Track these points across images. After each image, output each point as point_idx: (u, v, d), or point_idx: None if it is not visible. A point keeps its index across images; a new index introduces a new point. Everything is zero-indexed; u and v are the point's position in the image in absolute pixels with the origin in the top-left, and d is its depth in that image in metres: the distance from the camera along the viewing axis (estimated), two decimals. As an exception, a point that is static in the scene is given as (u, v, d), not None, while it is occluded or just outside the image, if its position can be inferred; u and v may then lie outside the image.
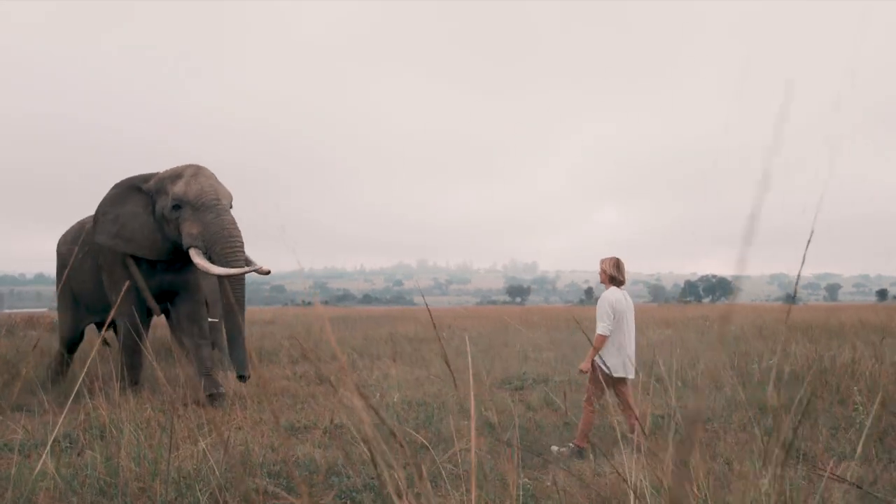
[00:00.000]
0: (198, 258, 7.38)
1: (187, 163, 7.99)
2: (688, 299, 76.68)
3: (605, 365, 5.29)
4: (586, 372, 5.60)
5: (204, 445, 4.57)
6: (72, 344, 9.39)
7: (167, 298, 8.35)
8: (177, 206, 7.56)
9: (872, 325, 15.69)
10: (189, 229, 7.48)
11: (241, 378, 7.65)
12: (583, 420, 5.60)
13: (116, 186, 8.18)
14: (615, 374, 5.50)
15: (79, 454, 4.98)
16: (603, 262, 5.75)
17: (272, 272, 7.73)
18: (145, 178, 8.11)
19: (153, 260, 7.96)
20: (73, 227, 9.29)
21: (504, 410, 7.00)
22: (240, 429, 6.09)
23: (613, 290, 5.65)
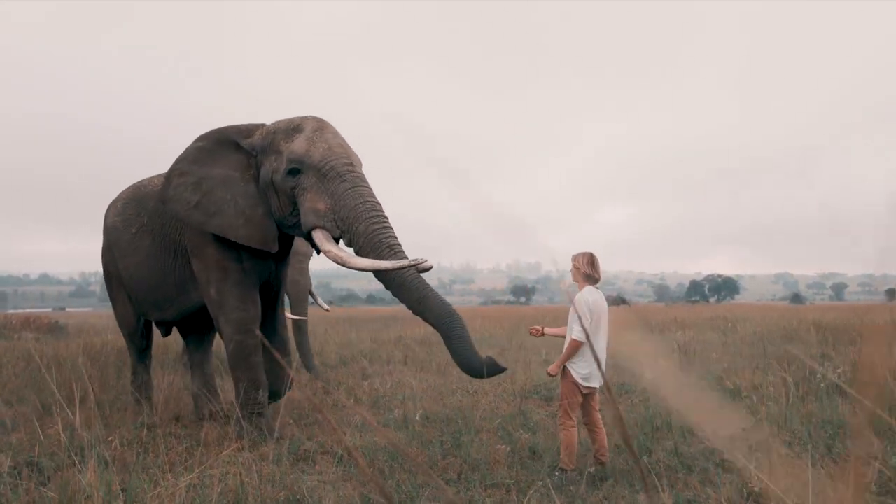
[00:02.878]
0: (327, 244, 5.31)
1: (302, 114, 5.88)
2: (694, 299, 75.73)
3: (579, 373, 4.73)
4: (554, 375, 4.89)
5: (188, 481, 3.68)
6: (139, 347, 7.21)
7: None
8: (294, 171, 5.46)
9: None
10: (312, 203, 5.39)
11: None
12: (564, 439, 4.79)
13: (202, 138, 6.02)
14: (587, 384, 4.81)
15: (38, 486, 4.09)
16: (575, 258, 4.96)
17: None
18: (245, 131, 5.96)
19: (243, 245, 5.81)
20: (124, 192, 7.02)
21: (540, 427, 6.11)
22: (240, 450, 5.20)
23: (590, 290, 4.86)
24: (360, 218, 5.22)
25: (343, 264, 5.23)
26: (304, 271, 9.96)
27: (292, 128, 5.62)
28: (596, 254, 4.98)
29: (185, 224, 5.97)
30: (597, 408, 4.95)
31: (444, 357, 11.78)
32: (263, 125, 5.89)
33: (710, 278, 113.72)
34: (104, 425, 6.33)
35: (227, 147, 5.90)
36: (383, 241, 5.17)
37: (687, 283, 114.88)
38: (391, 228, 5.27)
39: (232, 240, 5.69)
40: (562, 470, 4.75)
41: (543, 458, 5.11)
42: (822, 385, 6.88)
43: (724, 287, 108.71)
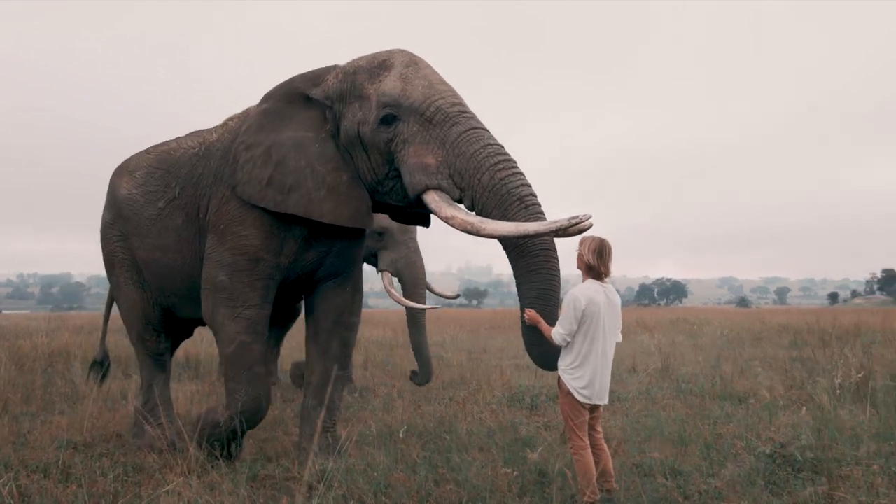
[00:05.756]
0: (448, 208, 4.08)
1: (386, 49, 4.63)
2: (644, 302, 76.38)
3: (575, 386, 3.83)
4: (533, 322, 3.93)
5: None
6: (157, 351, 5.68)
7: (304, 290, 5.11)
8: (388, 119, 4.26)
9: (871, 326, 14.70)
10: (419, 157, 4.18)
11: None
12: (579, 465, 3.88)
13: (267, 97, 4.80)
14: (588, 400, 3.87)
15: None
16: (583, 243, 3.96)
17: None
18: (313, 78, 4.69)
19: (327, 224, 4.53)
20: (142, 158, 5.53)
21: (536, 442, 5.30)
22: (186, 477, 4.26)
23: (589, 285, 3.92)
24: (482, 166, 4.03)
25: (476, 233, 3.93)
26: (419, 250, 8.09)
27: (377, 64, 4.45)
28: (609, 241, 3.96)
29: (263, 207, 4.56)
30: (599, 427, 4.05)
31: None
32: (336, 66, 4.69)
33: (660, 282, 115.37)
34: (22, 444, 5.34)
35: (297, 102, 4.68)
36: (512, 191, 3.98)
37: (636, 287, 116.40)
38: (523, 175, 4.07)
39: (316, 219, 4.46)
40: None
41: (553, 482, 4.29)
42: (838, 391, 6.24)
43: (673, 291, 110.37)
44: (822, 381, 6.64)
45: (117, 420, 6.25)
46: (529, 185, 4.03)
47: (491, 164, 4.02)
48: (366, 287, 5.55)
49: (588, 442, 3.89)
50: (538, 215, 3.95)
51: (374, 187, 4.50)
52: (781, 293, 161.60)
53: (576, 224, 3.75)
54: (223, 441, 4.66)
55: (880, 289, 67.22)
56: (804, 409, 5.30)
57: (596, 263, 3.90)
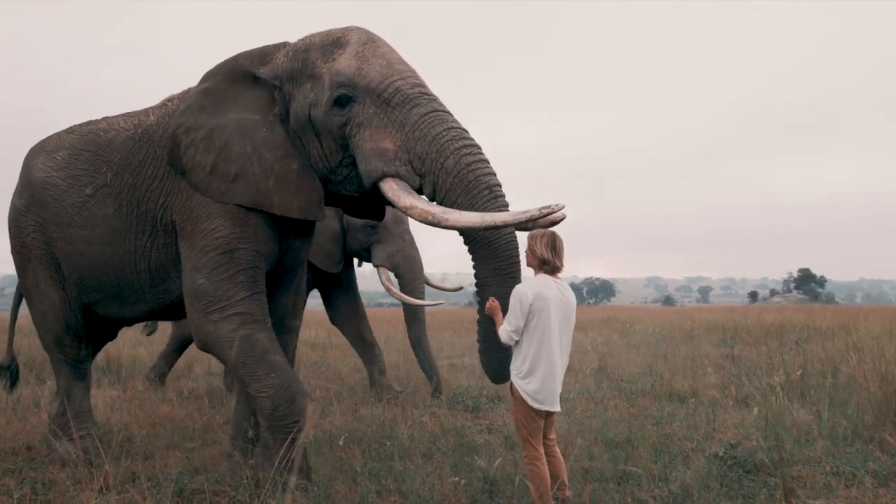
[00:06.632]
0: (407, 197, 3.77)
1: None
2: (573, 301, 77.54)
3: (526, 391, 3.55)
4: (491, 309, 3.71)
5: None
6: (76, 357, 5.06)
7: None
8: (343, 101, 3.91)
9: (794, 324, 15.15)
10: (375, 142, 3.85)
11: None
12: (533, 476, 3.61)
13: (209, 76, 4.34)
14: (540, 406, 3.58)
15: None
16: (533, 238, 3.67)
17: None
18: (261, 57, 4.27)
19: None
20: (64, 138, 4.88)
21: (483, 448, 5.11)
22: (103, 493, 3.87)
23: (539, 280, 3.66)
24: (446, 150, 3.70)
25: (437, 224, 3.62)
26: (415, 242, 7.78)
27: (331, 41, 4.06)
28: (560, 235, 3.69)
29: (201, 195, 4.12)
30: (552, 435, 3.77)
31: (343, 363, 10.67)
32: (286, 43, 4.27)
33: (588, 281, 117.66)
34: None
35: (242, 82, 4.25)
36: (480, 178, 3.68)
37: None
38: (489, 163, 3.76)
39: (266, 210, 4.08)
40: None
41: (503, 490, 4.09)
42: (779, 389, 6.26)
43: (602, 290, 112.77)
44: (763, 380, 6.67)
45: (28, 431, 5.73)
46: (496, 175, 3.77)
47: (455, 147, 3.71)
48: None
49: (542, 451, 3.63)
50: (505, 208, 3.69)
51: (327, 176, 4.12)
52: (704, 292, 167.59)
53: (547, 214, 3.47)
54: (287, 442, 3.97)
55: (797, 287, 70.07)
56: (756, 409, 5.23)
57: (551, 257, 3.63)
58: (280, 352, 4.16)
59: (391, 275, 7.68)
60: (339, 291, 8.25)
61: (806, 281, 69.29)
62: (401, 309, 8.10)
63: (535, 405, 3.57)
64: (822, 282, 70.47)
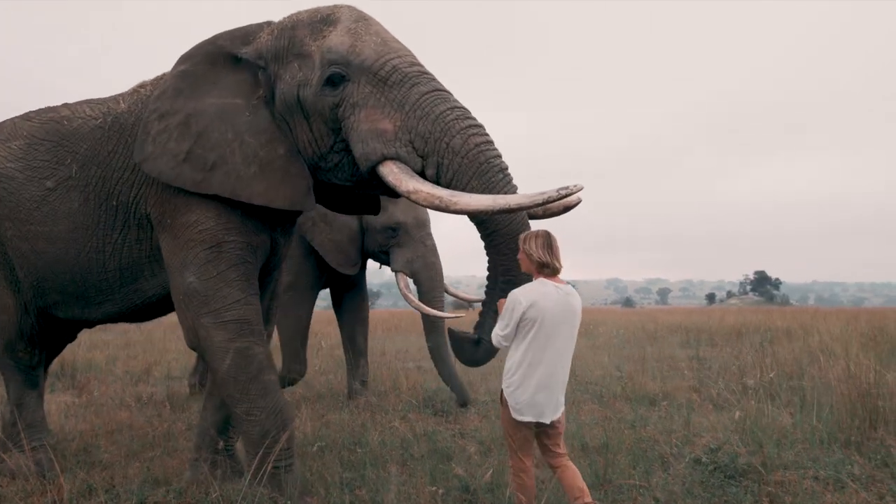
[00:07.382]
0: (410, 181, 3.49)
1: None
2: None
3: (512, 401, 3.34)
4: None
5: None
6: (28, 363, 4.71)
7: None
8: (335, 80, 3.64)
9: (755, 325, 15.33)
10: (373, 123, 3.58)
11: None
12: (517, 486, 3.44)
13: (185, 58, 4.02)
14: (521, 417, 3.37)
15: None
16: (526, 239, 3.39)
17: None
18: (243, 37, 3.99)
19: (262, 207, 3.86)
20: (21, 126, 4.46)
21: (455, 452, 4.96)
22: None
23: (537, 286, 3.36)
24: (452, 129, 3.46)
25: (445, 208, 3.34)
26: (436, 249, 7.29)
27: (320, 19, 3.79)
28: (554, 234, 3.41)
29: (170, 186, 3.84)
30: (560, 449, 3.49)
31: (310, 365, 10.40)
32: (270, 22, 4.01)
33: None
34: None
35: (222, 64, 3.95)
36: (492, 161, 3.46)
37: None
38: (495, 144, 3.54)
39: (245, 201, 3.77)
40: None
41: (482, 499, 3.95)
42: (753, 390, 6.25)
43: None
44: (736, 382, 6.65)
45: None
46: (502, 155, 3.56)
47: (462, 126, 3.48)
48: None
49: (530, 464, 3.42)
50: (513, 187, 3.50)
51: (316, 163, 3.83)
52: (663, 293, 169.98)
53: (565, 196, 3.22)
54: (282, 471, 3.80)
55: (753, 289, 71.56)
56: (738, 413, 5.17)
57: (549, 259, 3.35)
58: (275, 370, 3.96)
59: (410, 281, 7.24)
60: (350, 294, 7.89)
61: (762, 283, 70.81)
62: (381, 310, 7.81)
63: (517, 416, 3.37)
64: (776, 284, 72.11)
